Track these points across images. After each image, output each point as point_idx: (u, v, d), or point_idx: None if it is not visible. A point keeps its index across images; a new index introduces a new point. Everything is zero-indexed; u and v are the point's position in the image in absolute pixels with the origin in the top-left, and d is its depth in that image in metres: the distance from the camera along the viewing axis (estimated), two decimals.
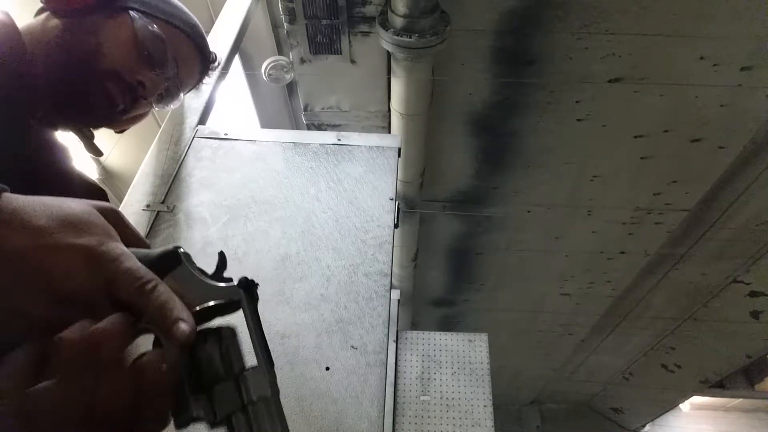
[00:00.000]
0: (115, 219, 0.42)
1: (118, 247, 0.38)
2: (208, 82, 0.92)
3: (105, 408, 0.33)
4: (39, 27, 0.70)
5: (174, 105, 0.84)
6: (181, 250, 0.43)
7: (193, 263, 0.43)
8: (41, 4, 0.72)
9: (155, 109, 0.83)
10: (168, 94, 0.81)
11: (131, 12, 0.73)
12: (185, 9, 0.83)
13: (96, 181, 0.78)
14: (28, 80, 0.65)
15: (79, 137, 0.78)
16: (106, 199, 0.74)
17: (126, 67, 0.71)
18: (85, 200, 0.41)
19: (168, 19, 0.77)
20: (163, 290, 0.37)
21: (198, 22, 0.84)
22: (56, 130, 0.74)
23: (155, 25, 0.74)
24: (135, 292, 0.36)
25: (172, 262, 0.42)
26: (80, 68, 0.69)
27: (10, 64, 0.62)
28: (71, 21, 0.70)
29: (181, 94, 0.84)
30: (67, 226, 0.36)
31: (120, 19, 0.72)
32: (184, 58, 0.80)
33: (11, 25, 0.65)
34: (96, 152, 0.81)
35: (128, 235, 0.42)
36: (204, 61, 0.86)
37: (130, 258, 0.38)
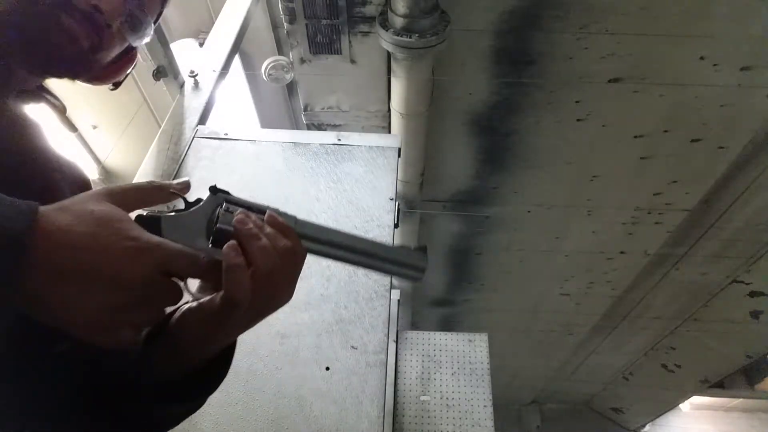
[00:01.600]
0: (117, 195, 0.47)
1: (151, 236, 0.45)
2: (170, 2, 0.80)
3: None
4: None
5: (146, 34, 0.73)
6: (147, 213, 0.50)
7: (168, 212, 0.51)
8: None
9: (130, 43, 0.72)
10: (134, 20, 0.70)
11: None
12: None
13: (71, 158, 0.71)
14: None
15: (52, 109, 0.73)
16: (85, 178, 0.70)
17: None
18: (91, 194, 0.45)
19: None
20: (208, 260, 0.47)
21: None
22: (26, 103, 0.69)
23: None
24: (191, 271, 0.47)
25: (155, 224, 0.49)
26: (28, 8, 0.61)
27: None
28: None
29: (150, 20, 0.73)
30: (102, 227, 0.42)
31: None
32: None
33: None
34: (70, 127, 0.77)
35: (128, 196, 0.48)
36: None
37: (165, 242, 0.45)
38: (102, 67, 0.70)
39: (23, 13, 0.61)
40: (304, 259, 0.52)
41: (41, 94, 0.70)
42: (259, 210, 0.53)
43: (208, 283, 0.53)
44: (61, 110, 0.73)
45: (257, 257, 0.47)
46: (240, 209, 0.51)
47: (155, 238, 0.45)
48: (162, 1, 0.77)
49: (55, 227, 0.39)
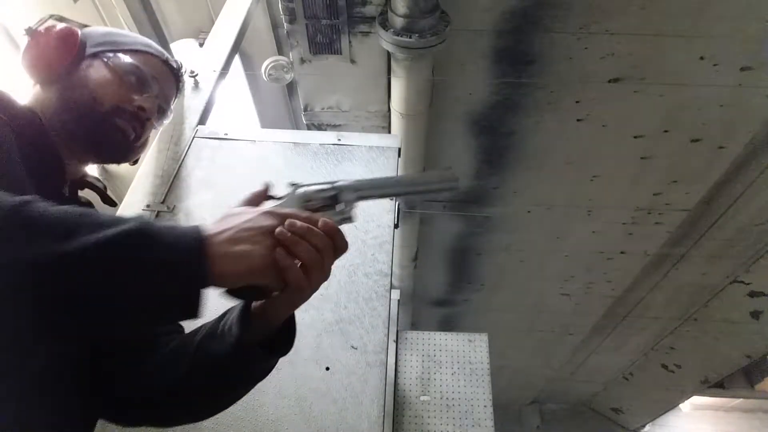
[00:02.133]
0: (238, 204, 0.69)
1: (272, 208, 0.65)
2: (183, 88, 1.05)
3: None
4: (41, 99, 0.82)
5: (168, 119, 0.98)
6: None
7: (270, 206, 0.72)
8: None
9: (156, 127, 0.94)
10: (161, 111, 0.93)
11: (101, 56, 0.85)
12: (135, 34, 0.98)
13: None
14: (53, 149, 0.77)
15: (95, 191, 0.90)
16: None
17: (122, 99, 0.84)
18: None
19: (130, 47, 0.90)
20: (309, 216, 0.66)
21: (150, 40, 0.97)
22: (77, 189, 0.87)
23: (124, 57, 0.87)
24: (301, 220, 0.64)
25: None
26: (90, 117, 0.81)
27: (37, 139, 0.74)
28: (61, 85, 0.82)
29: (171, 106, 0.97)
30: (240, 211, 0.62)
31: (96, 65, 0.84)
32: (158, 74, 0.92)
33: (28, 110, 0.77)
34: (111, 203, 0.93)
35: (244, 202, 0.70)
36: (173, 69, 0.97)
37: (280, 208, 0.65)
38: (137, 149, 0.90)
39: (85, 122, 0.81)
40: (333, 246, 0.67)
41: (86, 179, 0.89)
42: (326, 185, 0.71)
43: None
44: (102, 190, 0.91)
45: (303, 256, 0.62)
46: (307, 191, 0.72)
47: (273, 207, 0.66)
48: (177, 89, 0.99)
49: (212, 228, 0.58)
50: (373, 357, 1.25)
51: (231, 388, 0.76)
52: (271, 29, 2.51)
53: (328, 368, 1.24)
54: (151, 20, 1.59)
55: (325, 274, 0.65)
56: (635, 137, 2.78)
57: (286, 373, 1.22)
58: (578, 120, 2.69)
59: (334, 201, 0.70)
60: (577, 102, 2.59)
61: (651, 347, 5.11)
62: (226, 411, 1.17)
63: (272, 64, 2.32)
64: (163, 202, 1.49)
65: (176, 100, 1.00)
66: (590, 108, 2.62)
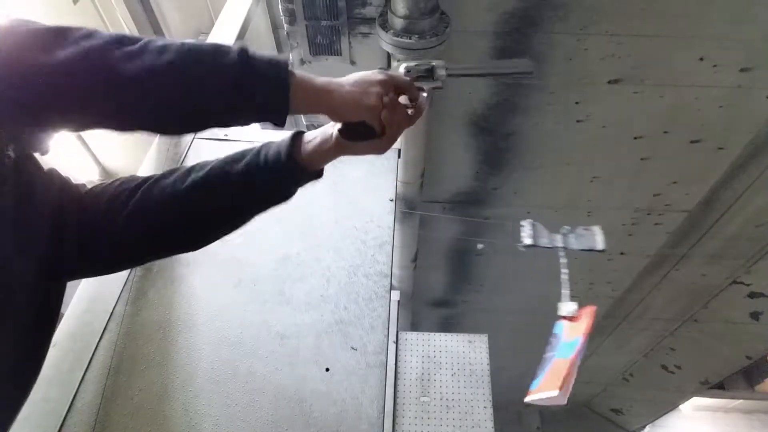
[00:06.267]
0: None
1: (389, 74, 0.82)
2: None
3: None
4: None
5: None
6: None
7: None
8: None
9: None
10: None
11: None
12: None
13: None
14: None
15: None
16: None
17: None
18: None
19: None
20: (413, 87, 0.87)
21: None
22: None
23: None
24: (407, 87, 0.85)
25: None
26: None
27: None
28: None
29: None
30: (360, 78, 0.81)
31: None
32: None
33: None
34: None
35: None
36: None
37: (397, 76, 0.84)
38: None
39: None
40: (412, 115, 0.88)
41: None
42: (424, 61, 0.91)
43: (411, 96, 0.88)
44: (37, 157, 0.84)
45: (399, 114, 0.83)
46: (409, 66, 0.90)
47: (390, 74, 0.83)
48: None
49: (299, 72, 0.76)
50: (373, 358, 1.25)
51: (262, 202, 0.93)
52: (271, 30, 2.51)
53: (328, 369, 1.24)
54: (151, 20, 1.59)
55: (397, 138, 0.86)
56: (635, 138, 2.78)
57: (286, 374, 1.22)
58: (578, 121, 2.69)
59: (430, 74, 0.91)
60: (577, 103, 2.59)
61: (651, 348, 5.11)
62: (226, 412, 1.17)
63: None
64: None
65: None
66: (590, 109, 2.62)
